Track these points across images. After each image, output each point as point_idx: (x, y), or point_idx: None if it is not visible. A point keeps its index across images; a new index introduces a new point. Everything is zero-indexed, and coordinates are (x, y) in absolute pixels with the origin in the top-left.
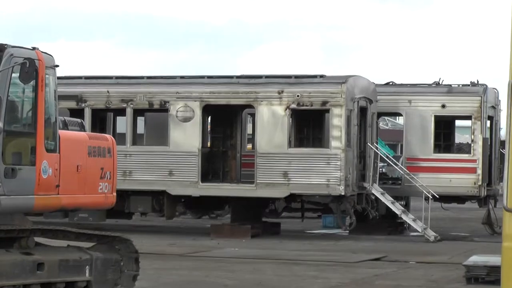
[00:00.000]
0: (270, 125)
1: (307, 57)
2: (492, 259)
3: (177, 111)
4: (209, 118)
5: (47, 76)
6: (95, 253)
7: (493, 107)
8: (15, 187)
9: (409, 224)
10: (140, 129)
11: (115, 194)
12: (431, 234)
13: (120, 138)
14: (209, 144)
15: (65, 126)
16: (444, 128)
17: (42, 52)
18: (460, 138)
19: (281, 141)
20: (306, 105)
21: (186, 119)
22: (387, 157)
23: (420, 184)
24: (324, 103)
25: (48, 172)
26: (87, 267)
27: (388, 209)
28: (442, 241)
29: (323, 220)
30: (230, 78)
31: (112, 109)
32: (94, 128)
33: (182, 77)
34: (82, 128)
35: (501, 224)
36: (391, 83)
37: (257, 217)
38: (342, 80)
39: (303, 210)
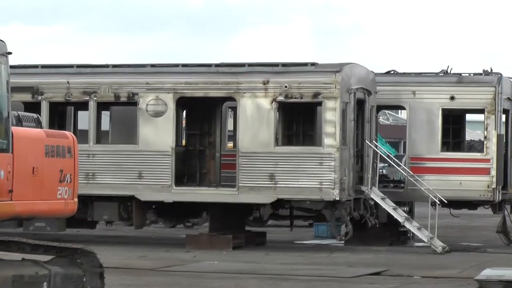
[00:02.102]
0: (254, 120)
1: (296, 43)
2: (508, 273)
3: (147, 105)
4: (184, 113)
5: None
6: (53, 267)
7: (509, 99)
8: None
9: (413, 233)
10: (105, 125)
11: (76, 200)
12: (438, 245)
13: (82, 136)
14: (184, 143)
15: (19, 122)
16: (453, 123)
17: None
18: (471, 134)
19: (267, 139)
20: (295, 97)
21: (158, 114)
22: (388, 156)
23: (426, 188)
24: (316, 95)
25: None
26: (44, 283)
27: (389, 216)
28: (451, 253)
29: (315, 229)
30: (208, 67)
31: (72, 103)
32: (52, 124)
33: (153, 65)
34: (38, 124)
35: None
36: (392, 72)
37: (239, 225)
38: (336, 69)
39: (292, 217)
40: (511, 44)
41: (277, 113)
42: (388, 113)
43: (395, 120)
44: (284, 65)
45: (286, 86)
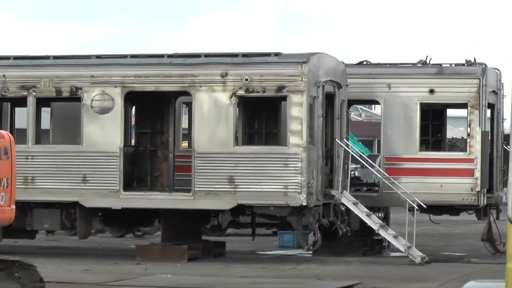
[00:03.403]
0: (211, 117)
1: (258, 31)
2: (494, 285)
3: (92, 100)
4: (134, 109)
5: None
6: None
7: (494, 92)
8: None
9: (389, 242)
10: (46, 123)
11: (14, 207)
12: (417, 255)
13: (19, 135)
14: (133, 142)
15: None
16: (433, 119)
17: None
18: (453, 131)
19: (226, 138)
20: (257, 91)
21: (104, 110)
22: (361, 156)
23: (403, 191)
24: (280, 88)
25: None
26: None
27: (362, 223)
28: (431, 264)
29: (280, 238)
30: (160, 58)
31: (9, 98)
32: None
33: (98, 56)
34: None
35: (505, 241)
36: (365, 63)
37: (195, 234)
38: (303, 59)
39: (254, 225)
40: (496, 32)
41: (237, 109)
42: (360, 108)
43: (368, 116)
44: (245, 55)
45: (246, 79)
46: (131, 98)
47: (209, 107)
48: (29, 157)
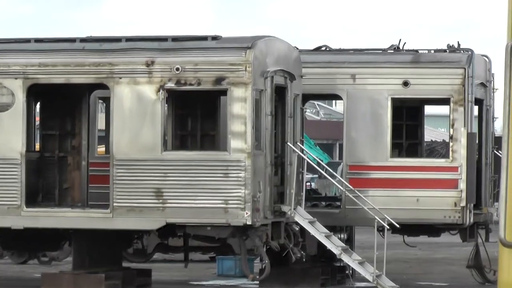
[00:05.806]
0: (134, 115)
1: (193, 9)
2: None
3: None
4: (38, 106)
5: None
6: None
7: (482, 84)
8: None
9: (353, 269)
10: None
11: None
12: (388, 285)
13: None
14: (38, 147)
15: None
16: (408, 119)
17: None
18: (432, 133)
19: (152, 141)
20: (191, 84)
21: (2, 108)
22: (319, 164)
23: (371, 207)
24: (219, 80)
25: None
26: None
27: (320, 246)
28: None
29: (219, 265)
30: (71, 43)
31: None
32: None
33: None
34: None
35: (495, 268)
36: (324, 49)
37: (114, 261)
38: (247, 44)
39: (187, 249)
40: (485, 11)
41: (166, 105)
42: (318, 104)
43: (327, 114)
44: (175, 39)
45: (177, 69)
46: (35, 92)
47: (131, 104)
48: None
